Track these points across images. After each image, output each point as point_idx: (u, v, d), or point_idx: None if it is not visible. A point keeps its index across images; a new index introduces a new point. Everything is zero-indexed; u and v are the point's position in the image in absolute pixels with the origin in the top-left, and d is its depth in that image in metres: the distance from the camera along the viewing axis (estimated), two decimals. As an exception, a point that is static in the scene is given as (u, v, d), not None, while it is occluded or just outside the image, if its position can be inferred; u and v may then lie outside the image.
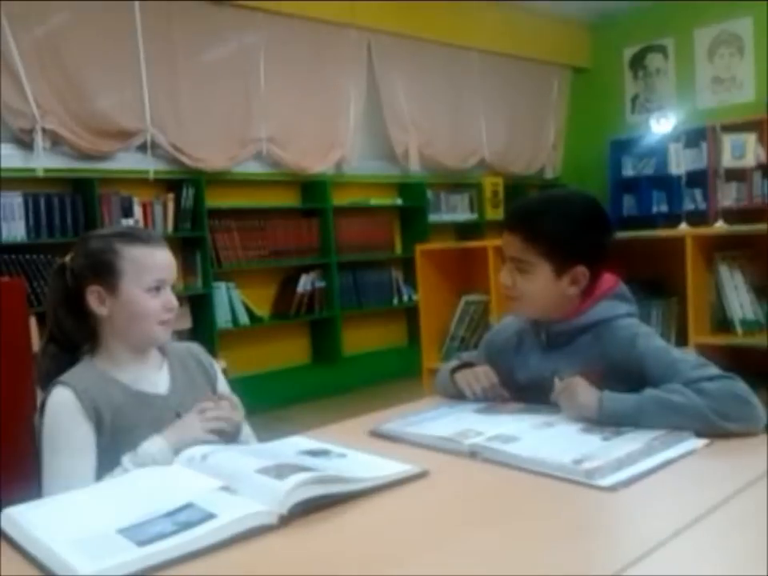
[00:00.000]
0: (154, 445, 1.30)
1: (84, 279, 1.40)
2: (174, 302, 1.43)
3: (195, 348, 1.59)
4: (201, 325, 4.69)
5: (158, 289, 1.40)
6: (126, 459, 1.29)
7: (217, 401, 1.40)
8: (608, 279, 1.46)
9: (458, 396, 1.52)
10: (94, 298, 1.40)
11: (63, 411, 1.33)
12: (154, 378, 1.45)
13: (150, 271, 1.39)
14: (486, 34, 6.28)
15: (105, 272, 1.39)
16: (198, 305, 4.76)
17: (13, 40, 4.01)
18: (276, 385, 4.93)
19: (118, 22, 4.42)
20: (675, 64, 6.73)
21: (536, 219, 1.40)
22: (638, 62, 6.99)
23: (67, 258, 1.45)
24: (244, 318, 5.03)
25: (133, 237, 1.42)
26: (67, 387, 1.34)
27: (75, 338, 1.44)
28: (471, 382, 1.49)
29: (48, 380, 1.38)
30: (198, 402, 1.38)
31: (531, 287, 1.40)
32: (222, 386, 1.58)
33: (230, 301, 4.97)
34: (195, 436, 1.29)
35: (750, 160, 3.07)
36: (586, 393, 1.30)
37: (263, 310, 5.25)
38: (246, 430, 1.49)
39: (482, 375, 1.49)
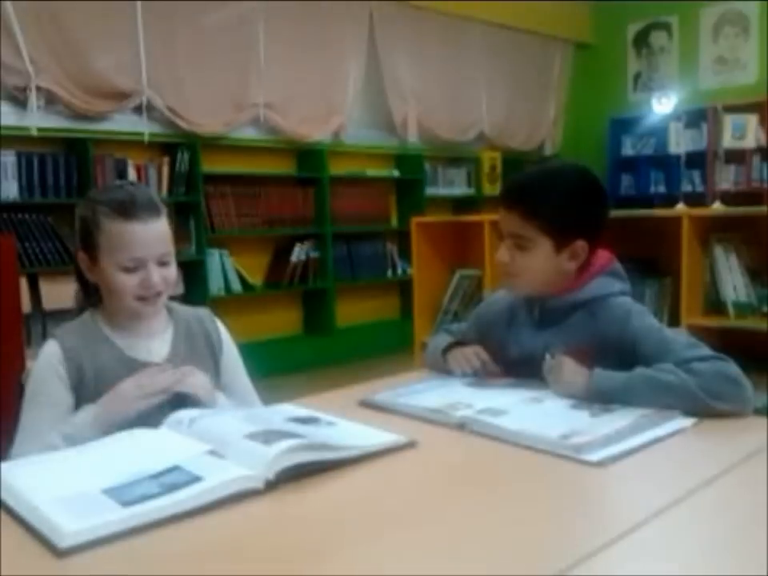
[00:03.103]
0: (87, 415, 1.27)
1: (78, 241, 1.39)
2: (154, 278, 1.35)
3: (203, 314, 1.53)
4: (193, 292, 4.67)
5: (135, 268, 1.34)
6: (56, 433, 1.25)
7: (165, 368, 1.35)
8: (603, 256, 1.45)
9: (448, 372, 1.52)
10: (82, 263, 1.39)
11: (44, 364, 1.34)
12: (153, 344, 1.41)
13: (125, 249, 1.33)
14: (490, 6, 6.20)
15: (87, 242, 1.37)
16: (190, 271, 4.73)
17: (8, -4, 3.94)
18: (267, 354, 4.92)
19: (115, -20, 4.34)
20: (679, 42, 6.67)
21: (534, 195, 1.38)
22: (641, 40, 6.92)
23: None
24: (237, 286, 5.02)
25: (118, 208, 1.33)
26: (56, 341, 1.35)
27: (88, 289, 1.44)
28: (462, 362, 1.49)
29: (80, 314, 1.42)
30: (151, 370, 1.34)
31: (530, 263, 1.39)
32: (228, 355, 1.52)
33: (223, 268, 4.95)
34: (125, 411, 1.26)
35: (750, 141, 3.06)
36: (573, 371, 1.30)
37: (256, 279, 5.23)
38: (222, 400, 1.41)
39: (472, 355, 1.49)
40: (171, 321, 1.46)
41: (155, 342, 1.42)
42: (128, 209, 1.34)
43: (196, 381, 1.35)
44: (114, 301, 1.38)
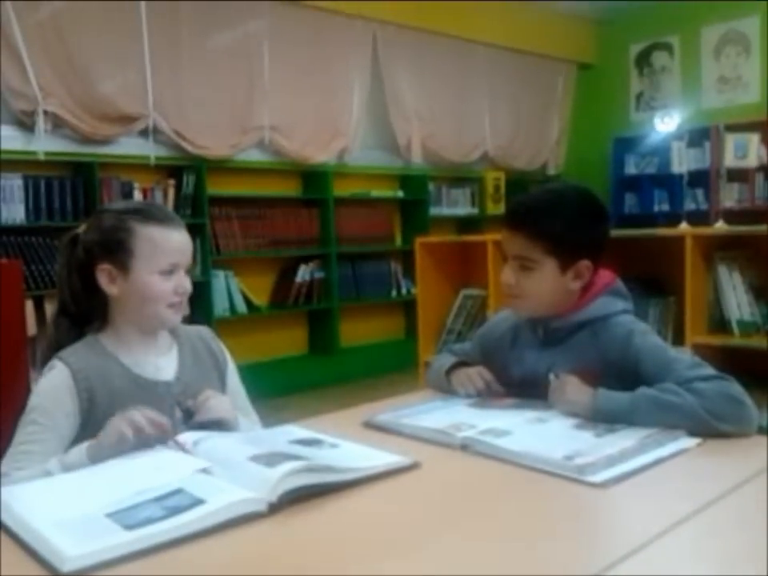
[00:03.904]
0: (81, 449, 1.22)
1: (95, 255, 1.35)
2: (187, 285, 1.39)
3: (205, 332, 1.54)
4: (198, 313, 4.67)
5: (171, 272, 1.35)
6: (54, 461, 1.20)
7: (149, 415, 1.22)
8: (605, 275, 1.45)
9: (451, 393, 1.52)
10: (104, 276, 1.35)
11: (50, 387, 1.30)
12: (161, 362, 1.40)
13: (164, 253, 1.34)
14: (492, 28, 6.26)
15: (117, 251, 1.34)
16: (196, 292, 4.67)
17: (16, 21, 3.99)
18: (272, 374, 4.92)
19: (122, 5, 4.39)
20: (681, 62, 6.71)
21: (540, 216, 1.38)
22: (643, 60, 6.96)
23: (80, 230, 1.40)
24: (242, 307, 5.02)
25: (149, 215, 1.36)
26: (65, 365, 1.31)
27: (85, 312, 1.40)
28: (465, 383, 1.49)
29: (54, 353, 1.35)
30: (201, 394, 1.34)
31: (536, 284, 1.40)
32: (232, 375, 1.52)
33: (228, 289, 4.96)
34: (116, 446, 1.18)
35: (752, 160, 3.06)
36: (577, 390, 1.30)
37: (261, 300, 5.24)
38: (241, 420, 1.40)
39: (476, 375, 1.49)
40: (175, 339, 1.46)
41: (162, 359, 1.41)
42: (159, 214, 1.37)
43: (219, 404, 1.35)
44: (144, 309, 1.35)
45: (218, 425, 1.31)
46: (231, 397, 1.47)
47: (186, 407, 1.34)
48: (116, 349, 1.38)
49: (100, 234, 1.36)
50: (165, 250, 1.35)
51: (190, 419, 1.33)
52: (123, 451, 1.16)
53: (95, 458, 1.17)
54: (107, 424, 1.21)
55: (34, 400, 1.31)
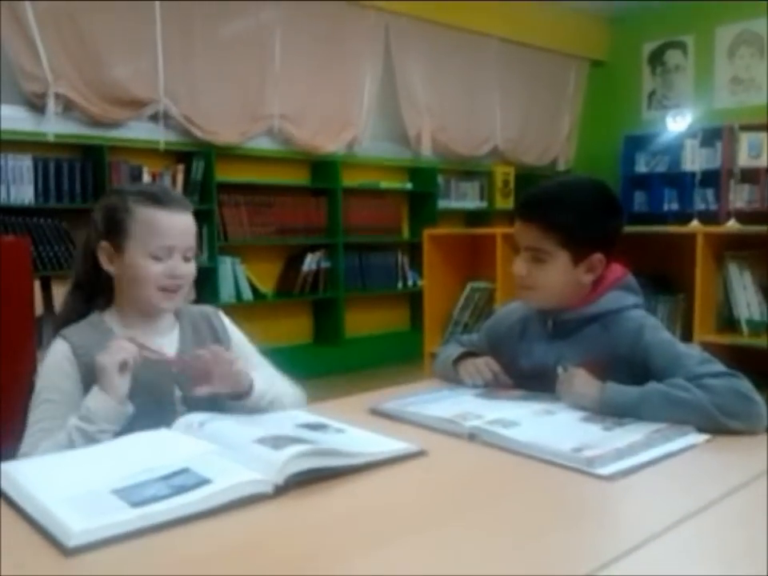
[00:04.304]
0: (94, 398, 1.24)
1: (98, 234, 1.38)
2: (181, 269, 1.36)
3: (209, 311, 1.53)
4: (204, 299, 4.66)
5: (165, 255, 1.34)
6: (72, 420, 1.22)
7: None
8: (617, 269, 1.44)
9: (458, 383, 1.51)
10: (103, 255, 1.37)
11: (53, 363, 1.32)
12: (162, 341, 1.40)
13: (159, 235, 1.33)
14: (505, 23, 6.23)
15: (115, 230, 1.35)
16: (202, 278, 4.72)
17: (29, 3, 3.98)
18: (277, 362, 4.88)
19: (136, -11, 4.39)
20: (694, 61, 6.66)
21: (553, 208, 1.37)
22: (656, 58, 6.92)
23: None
24: (248, 294, 5.03)
25: (151, 197, 1.36)
26: (65, 341, 1.33)
27: (94, 290, 1.42)
28: (473, 373, 1.49)
29: (66, 326, 1.38)
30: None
31: (548, 277, 1.39)
32: (238, 344, 1.50)
33: (235, 276, 4.96)
34: (109, 367, 1.23)
35: (765, 160, 3.04)
36: (586, 383, 1.30)
37: (267, 287, 5.24)
38: (260, 384, 1.36)
39: (484, 366, 1.49)
40: (177, 319, 1.46)
41: (164, 339, 1.42)
42: (162, 197, 1.36)
43: (223, 370, 1.31)
44: (134, 291, 1.36)
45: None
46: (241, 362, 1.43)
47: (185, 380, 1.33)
48: (118, 327, 1.39)
49: (103, 212, 1.39)
50: (160, 232, 1.34)
51: (189, 397, 1.33)
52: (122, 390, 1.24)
53: (114, 391, 1.23)
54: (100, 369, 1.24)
55: (40, 381, 1.32)
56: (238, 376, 1.32)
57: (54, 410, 1.28)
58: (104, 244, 1.37)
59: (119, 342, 1.28)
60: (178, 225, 1.37)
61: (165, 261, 1.35)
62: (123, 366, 1.24)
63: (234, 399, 1.33)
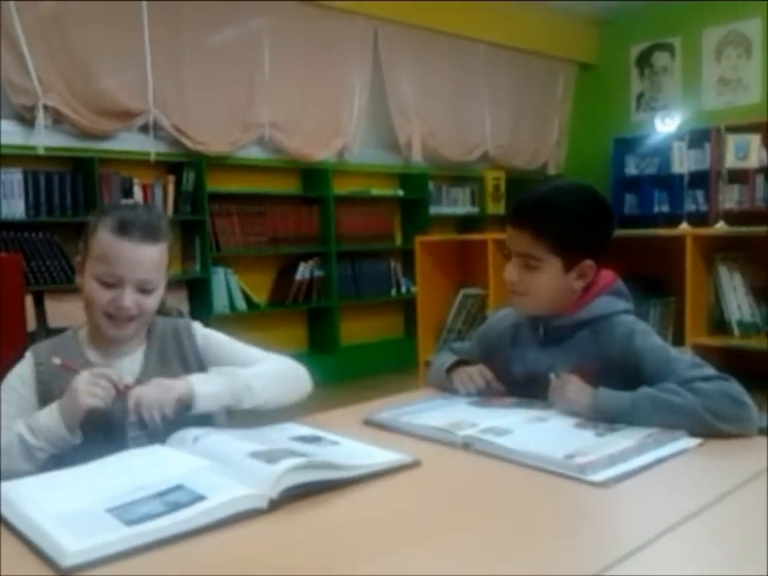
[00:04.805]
0: (49, 416, 1.23)
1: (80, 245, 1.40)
2: (126, 301, 1.31)
3: (180, 326, 1.46)
4: (197, 310, 4.67)
5: (112, 284, 1.31)
6: (21, 423, 1.24)
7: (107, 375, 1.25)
8: (606, 275, 1.45)
9: (451, 391, 1.52)
10: (77, 267, 1.40)
11: (16, 370, 1.35)
12: (124, 363, 1.37)
13: (107, 263, 1.31)
14: (493, 27, 6.25)
15: (84, 246, 1.37)
16: (195, 289, 4.75)
17: (17, 16, 3.98)
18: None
19: (123, 2, 4.39)
20: (682, 63, 6.70)
21: (545, 215, 1.37)
22: (644, 60, 6.96)
23: None
24: (241, 304, 5.02)
25: (116, 222, 1.32)
26: (30, 356, 1.37)
27: None
28: (466, 381, 1.49)
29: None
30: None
31: (540, 283, 1.39)
32: (215, 348, 1.45)
33: (228, 286, 4.96)
34: (77, 405, 1.21)
35: (753, 161, 3.06)
36: (578, 389, 1.30)
37: (261, 297, 5.23)
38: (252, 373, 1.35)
39: (477, 374, 1.49)
40: (146, 336, 1.43)
41: (128, 358, 1.39)
42: (125, 226, 1.32)
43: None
44: (86, 311, 1.37)
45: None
46: (216, 363, 1.40)
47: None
48: (87, 343, 1.40)
49: (85, 226, 1.39)
50: (109, 259, 1.31)
51: (146, 426, 1.25)
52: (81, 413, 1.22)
53: (69, 421, 1.22)
54: (69, 390, 1.23)
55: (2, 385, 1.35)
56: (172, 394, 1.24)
57: (11, 409, 1.30)
58: (78, 258, 1.39)
59: (101, 380, 1.23)
60: (131, 256, 1.31)
61: (113, 289, 1.32)
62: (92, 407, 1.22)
63: (186, 411, 1.26)
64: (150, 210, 1.45)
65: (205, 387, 1.27)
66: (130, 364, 1.39)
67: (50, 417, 1.23)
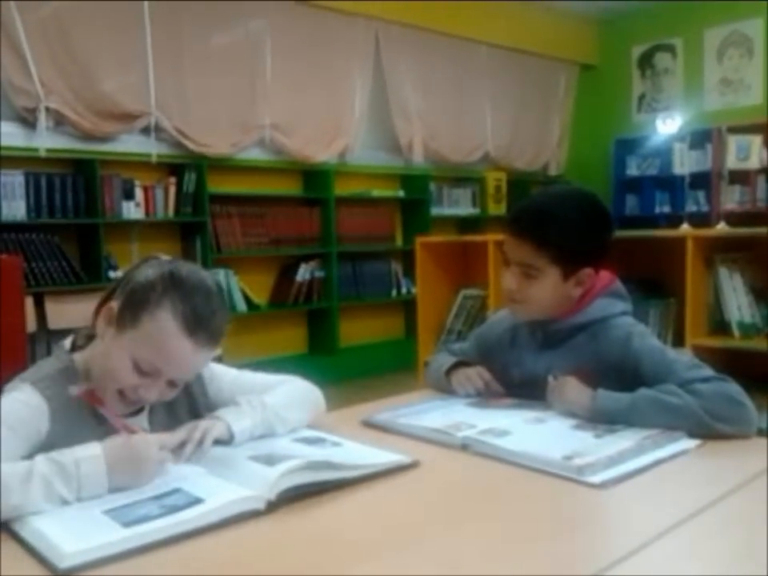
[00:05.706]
0: (94, 465, 0.97)
1: (117, 288, 1.18)
2: (148, 394, 1.14)
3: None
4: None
5: (149, 373, 1.12)
6: (45, 464, 0.95)
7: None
8: (604, 276, 1.45)
9: (450, 393, 1.52)
10: (106, 310, 1.16)
11: (21, 404, 1.08)
12: (133, 416, 1.20)
13: (157, 355, 1.12)
14: (495, 28, 6.26)
15: (128, 305, 1.14)
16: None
17: (19, 18, 3.99)
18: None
19: (125, 3, 4.39)
20: (683, 64, 6.70)
21: (545, 225, 1.36)
22: (646, 61, 6.95)
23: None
24: (242, 306, 5.02)
25: (190, 316, 1.12)
26: (31, 387, 1.11)
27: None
28: (465, 383, 1.49)
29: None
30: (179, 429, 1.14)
31: (538, 292, 1.39)
32: (218, 379, 1.31)
33: (229, 288, 4.96)
34: (138, 472, 1.00)
35: (754, 162, 3.06)
36: (577, 390, 1.30)
37: (261, 298, 5.24)
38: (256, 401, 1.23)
39: (476, 375, 1.49)
40: None
41: (134, 418, 1.20)
42: (197, 325, 1.12)
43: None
44: (101, 374, 1.16)
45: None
46: (228, 394, 1.29)
47: None
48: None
49: (136, 279, 1.16)
50: (163, 355, 1.11)
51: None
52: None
53: (117, 483, 0.99)
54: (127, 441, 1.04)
55: (6, 405, 1.08)
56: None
57: (12, 437, 1.03)
58: (114, 303, 1.16)
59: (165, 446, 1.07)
60: (189, 359, 1.14)
61: (145, 377, 1.13)
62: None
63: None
64: (221, 305, 1.19)
65: (241, 424, 1.18)
66: (141, 420, 1.22)
67: (94, 466, 0.97)
